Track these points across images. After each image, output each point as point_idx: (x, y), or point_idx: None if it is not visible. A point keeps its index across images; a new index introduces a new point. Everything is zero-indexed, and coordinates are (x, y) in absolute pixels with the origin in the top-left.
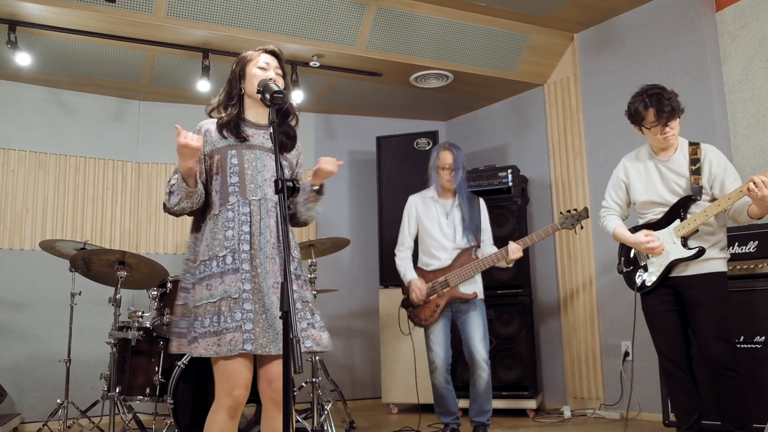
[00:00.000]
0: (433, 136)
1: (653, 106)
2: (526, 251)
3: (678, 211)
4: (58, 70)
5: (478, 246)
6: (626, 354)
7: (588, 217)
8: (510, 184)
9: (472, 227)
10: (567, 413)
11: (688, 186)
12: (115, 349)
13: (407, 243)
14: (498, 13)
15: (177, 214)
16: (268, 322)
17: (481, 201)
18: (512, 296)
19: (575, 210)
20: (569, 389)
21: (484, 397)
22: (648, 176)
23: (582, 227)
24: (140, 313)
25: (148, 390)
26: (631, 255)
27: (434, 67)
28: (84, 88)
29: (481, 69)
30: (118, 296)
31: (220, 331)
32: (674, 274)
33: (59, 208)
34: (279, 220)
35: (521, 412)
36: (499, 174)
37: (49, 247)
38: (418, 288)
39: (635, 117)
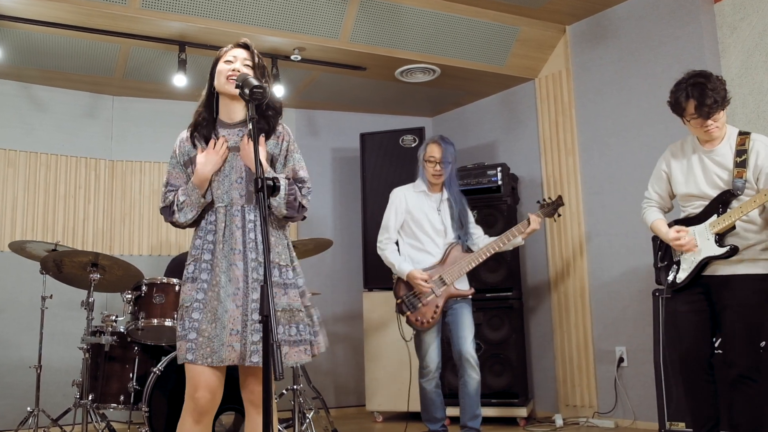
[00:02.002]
0: (419, 132)
1: (694, 97)
2: (516, 251)
3: (717, 206)
4: (28, 64)
5: (466, 241)
6: (621, 360)
7: (563, 204)
8: (499, 182)
9: (461, 223)
10: (559, 422)
11: (731, 179)
12: (87, 355)
13: (393, 236)
14: (487, 5)
15: (185, 227)
16: (215, 332)
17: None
18: (502, 299)
19: (550, 198)
20: (561, 396)
21: (475, 400)
22: (690, 167)
23: (560, 215)
24: (114, 318)
25: (122, 397)
26: (668, 249)
27: (420, 60)
28: (55, 83)
29: (469, 63)
30: (91, 300)
31: (180, 336)
32: (708, 273)
33: (29, 208)
34: (246, 217)
35: (511, 421)
36: (488, 172)
37: (18, 248)
38: (421, 278)
39: (676, 108)
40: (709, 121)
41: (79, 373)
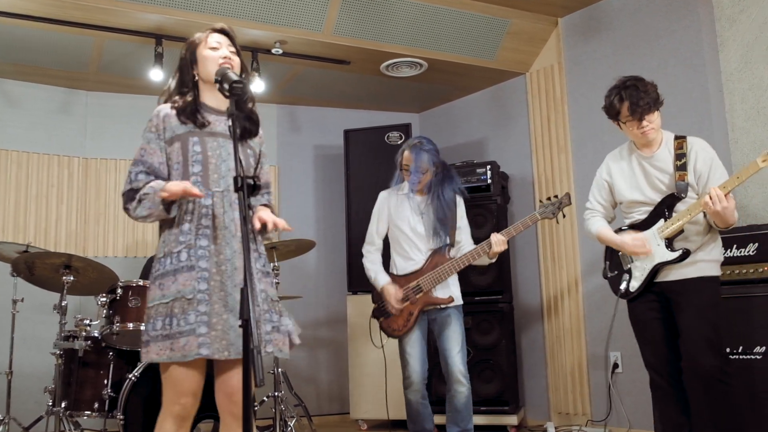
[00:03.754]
0: (405, 129)
1: (627, 99)
2: (506, 253)
3: (662, 210)
4: None
5: (452, 245)
6: (615, 366)
7: (570, 203)
8: (489, 181)
9: (446, 226)
10: (551, 430)
11: (673, 183)
12: (60, 361)
13: (376, 243)
14: None
15: (135, 220)
16: (229, 323)
17: (459, 198)
18: (491, 303)
19: (555, 197)
20: (553, 404)
21: (464, 415)
22: (632, 174)
23: (564, 215)
24: (88, 322)
25: (96, 405)
26: (617, 258)
27: (407, 54)
28: (27, 78)
29: (457, 56)
30: (63, 303)
31: (173, 334)
32: (660, 278)
33: None
34: (240, 220)
35: (501, 429)
36: (477, 170)
37: None
38: (392, 295)
39: (610, 111)
40: (644, 122)
41: (51, 380)
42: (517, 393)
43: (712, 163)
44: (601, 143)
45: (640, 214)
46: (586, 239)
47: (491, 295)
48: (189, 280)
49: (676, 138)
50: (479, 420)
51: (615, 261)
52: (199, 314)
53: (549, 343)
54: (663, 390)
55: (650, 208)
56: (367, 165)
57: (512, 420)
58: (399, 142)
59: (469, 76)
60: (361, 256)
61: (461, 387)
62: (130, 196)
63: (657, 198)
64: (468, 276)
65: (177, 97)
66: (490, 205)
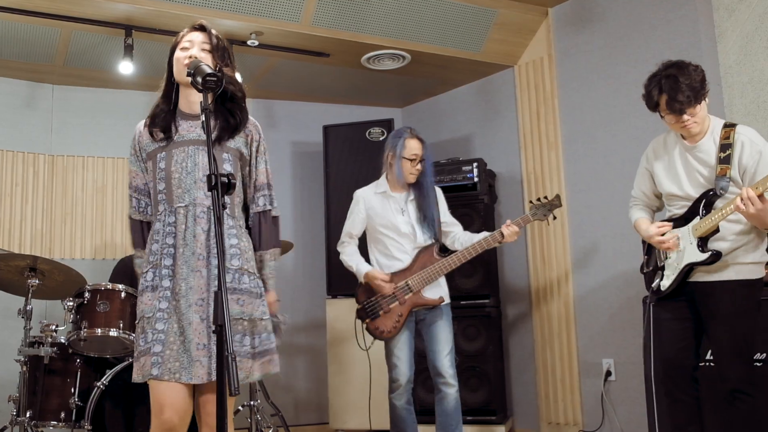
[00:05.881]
0: (387, 124)
1: (665, 91)
2: (493, 254)
3: (698, 207)
4: None
5: (439, 242)
6: (608, 373)
7: (561, 205)
8: (475, 179)
9: (430, 222)
10: None
11: (713, 178)
12: (25, 368)
13: (353, 238)
14: None
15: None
16: (183, 346)
17: (438, 190)
18: (478, 307)
19: (545, 198)
20: (543, 413)
21: (454, 418)
22: (672, 165)
23: (555, 217)
24: (54, 327)
25: (63, 414)
26: (654, 254)
27: (389, 46)
28: None
29: (442, 48)
30: (28, 307)
31: (137, 355)
32: (693, 279)
33: None
34: (213, 220)
35: None
36: (463, 168)
37: None
38: (379, 278)
39: (648, 102)
40: (685, 116)
41: (15, 388)
42: (504, 401)
43: (761, 158)
44: (592, 139)
45: (678, 209)
46: (578, 239)
47: (477, 299)
48: (151, 299)
49: (725, 126)
50: (466, 430)
51: (652, 256)
52: (155, 332)
53: (538, 350)
54: (672, 397)
55: (688, 203)
56: (347, 162)
57: (500, 430)
58: (381, 139)
59: (454, 69)
60: (339, 255)
61: (450, 389)
62: (134, 224)
63: (695, 194)
64: (453, 279)
65: (159, 101)
66: (476, 205)
